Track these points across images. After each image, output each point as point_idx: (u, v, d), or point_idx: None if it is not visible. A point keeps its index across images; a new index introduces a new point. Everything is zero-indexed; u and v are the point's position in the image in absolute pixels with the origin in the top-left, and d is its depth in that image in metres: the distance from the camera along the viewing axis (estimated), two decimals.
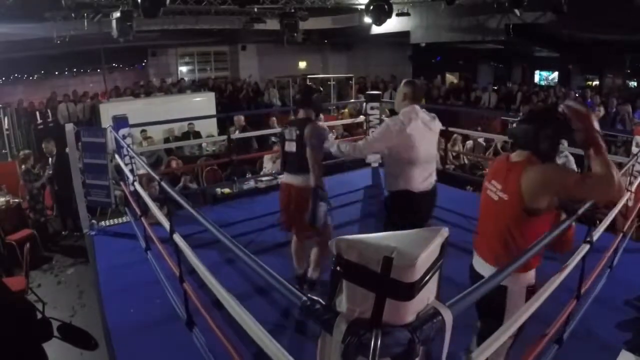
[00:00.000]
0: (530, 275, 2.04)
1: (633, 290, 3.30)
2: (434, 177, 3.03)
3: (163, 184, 2.84)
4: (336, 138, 8.47)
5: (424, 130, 2.86)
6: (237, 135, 7.94)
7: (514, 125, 2.11)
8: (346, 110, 11.35)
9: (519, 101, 10.93)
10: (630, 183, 4.10)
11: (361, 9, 10.55)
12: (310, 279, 3.40)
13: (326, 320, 1.25)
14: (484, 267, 2.10)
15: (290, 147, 3.22)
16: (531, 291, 2.00)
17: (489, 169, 2.23)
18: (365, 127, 6.77)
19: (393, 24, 10.56)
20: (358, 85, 13.85)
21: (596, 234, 2.56)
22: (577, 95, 9.73)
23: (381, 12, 8.94)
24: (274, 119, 9.81)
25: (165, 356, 2.86)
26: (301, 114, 3.29)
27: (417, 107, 2.90)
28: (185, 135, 9.45)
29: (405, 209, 2.93)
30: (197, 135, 9.45)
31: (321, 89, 4.48)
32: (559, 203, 1.99)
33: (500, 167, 2.08)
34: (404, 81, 3.05)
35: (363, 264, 1.20)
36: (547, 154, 1.95)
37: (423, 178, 2.91)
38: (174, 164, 7.03)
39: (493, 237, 2.05)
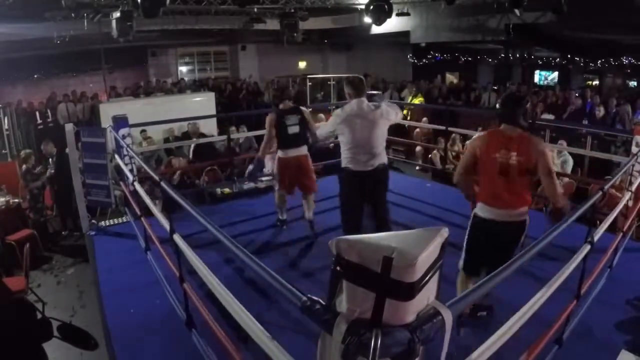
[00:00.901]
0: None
1: (633, 290, 3.30)
2: (377, 161, 3.50)
3: (163, 184, 2.84)
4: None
5: (361, 120, 3.41)
6: (237, 135, 7.96)
7: (497, 107, 2.79)
8: None
9: None
10: (630, 183, 4.10)
11: (361, 9, 10.54)
12: (311, 219, 4.58)
13: (326, 320, 1.25)
14: (507, 214, 2.69)
15: (294, 129, 4.24)
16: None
17: (483, 144, 2.73)
18: None
19: (393, 24, 10.56)
20: None
21: (597, 235, 2.56)
22: (577, 95, 9.71)
23: (381, 12, 8.94)
24: None
25: (165, 356, 2.86)
26: (288, 104, 4.32)
27: (361, 99, 3.46)
28: (185, 135, 9.44)
29: (344, 183, 3.67)
30: None
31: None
32: None
33: (503, 140, 2.65)
34: (344, 81, 3.61)
35: (363, 264, 1.20)
36: (527, 128, 2.65)
37: (363, 160, 3.46)
38: (175, 162, 7.03)
39: (516, 189, 2.66)
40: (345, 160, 3.56)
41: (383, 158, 3.57)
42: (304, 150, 4.37)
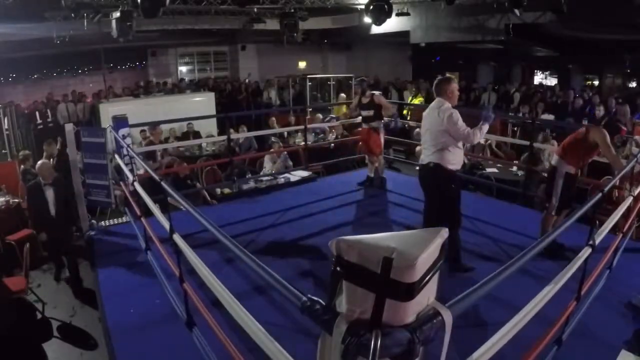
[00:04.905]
0: (568, 168, 4.03)
1: (633, 290, 3.30)
2: (427, 156, 3.78)
3: (163, 184, 2.84)
4: (336, 138, 8.53)
5: (425, 115, 3.90)
6: (237, 135, 7.95)
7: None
8: (345, 109, 11.33)
9: (517, 101, 10.93)
10: (632, 184, 4.10)
11: (361, 9, 10.55)
12: (377, 177, 6.11)
13: (326, 321, 1.25)
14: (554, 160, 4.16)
15: (369, 113, 5.85)
16: (569, 176, 4.04)
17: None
18: None
19: (393, 24, 10.56)
20: None
21: (598, 237, 2.55)
22: (577, 95, 9.71)
23: (381, 12, 8.93)
24: (274, 119, 9.81)
25: (165, 356, 2.86)
26: (367, 94, 5.85)
27: (437, 98, 3.92)
28: (185, 136, 9.45)
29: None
30: (197, 135, 9.44)
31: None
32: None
33: (583, 127, 4.24)
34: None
35: (363, 265, 1.20)
36: (598, 125, 4.18)
37: (423, 151, 3.89)
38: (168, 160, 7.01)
39: (564, 149, 4.09)
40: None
41: (430, 157, 3.79)
42: (374, 125, 5.87)
